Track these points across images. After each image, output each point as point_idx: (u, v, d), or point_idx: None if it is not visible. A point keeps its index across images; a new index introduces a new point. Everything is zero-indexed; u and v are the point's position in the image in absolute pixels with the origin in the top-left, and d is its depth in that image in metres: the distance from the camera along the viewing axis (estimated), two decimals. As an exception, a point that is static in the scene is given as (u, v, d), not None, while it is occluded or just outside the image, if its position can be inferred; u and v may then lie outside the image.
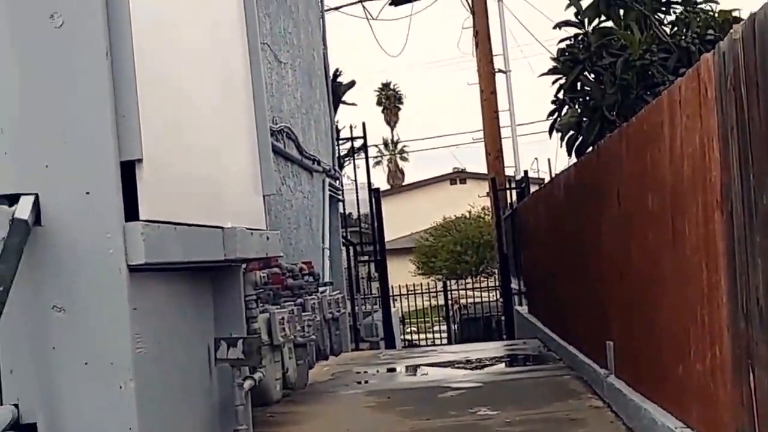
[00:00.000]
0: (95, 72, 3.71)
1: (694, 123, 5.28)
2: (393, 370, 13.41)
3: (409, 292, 33.04)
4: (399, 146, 75.02)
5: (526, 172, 23.81)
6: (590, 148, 10.22)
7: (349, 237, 21.85)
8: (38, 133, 3.75)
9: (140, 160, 3.88)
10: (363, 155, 23.34)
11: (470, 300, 32.70)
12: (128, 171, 3.88)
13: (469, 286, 37.32)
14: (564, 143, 11.57)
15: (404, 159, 76.61)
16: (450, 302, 33.26)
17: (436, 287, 35.53)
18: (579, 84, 11.32)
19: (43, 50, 3.71)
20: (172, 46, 4.50)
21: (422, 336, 34.11)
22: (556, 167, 20.41)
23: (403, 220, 48.02)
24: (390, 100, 76.70)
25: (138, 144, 3.84)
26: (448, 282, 35.80)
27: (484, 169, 26.84)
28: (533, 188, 19.87)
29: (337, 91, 21.11)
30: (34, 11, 3.64)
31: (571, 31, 11.45)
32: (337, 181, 18.66)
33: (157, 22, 4.27)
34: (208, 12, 5.20)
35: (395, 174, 75.29)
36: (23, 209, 3.70)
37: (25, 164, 3.76)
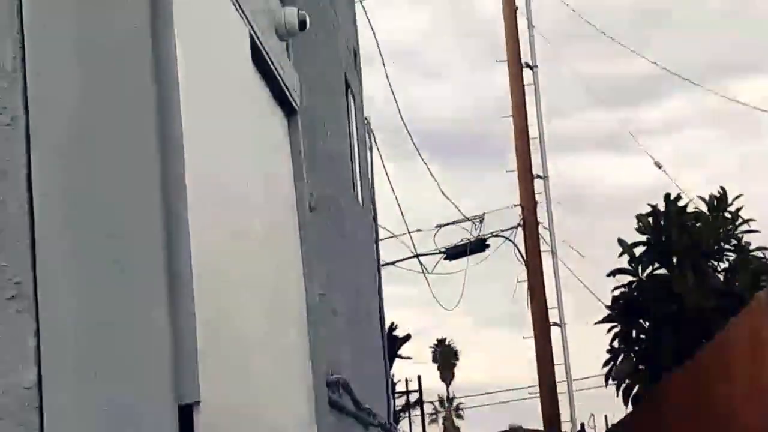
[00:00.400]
0: (155, 313, 3.78)
1: (750, 359, 5.27)
2: None
3: None
4: (454, 403, 74.51)
5: (582, 425, 23.58)
6: (646, 396, 10.18)
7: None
8: (99, 375, 3.81)
9: (198, 403, 3.90)
10: (418, 410, 23.21)
11: None
12: (186, 414, 3.90)
13: None
14: (620, 392, 11.52)
15: (459, 417, 75.98)
16: None
17: None
18: (634, 332, 11.35)
19: (106, 292, 3.80)
20: (234, 289, 4.59)
21: None
22: (612, 420, 20.15)
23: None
24: (445, 357, 76.67)
25: (196, 386, 3.87)
26: None
27: (540, 425, 26.54)
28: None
29: (392, 345, 21.18)
30: (98, 256, 3.76)
31: (625, 279, 11.57)
32: (393, 437, 18.51)
33: (219, 268, 4.36)
34: (270, 258, 5.31)
35: (451, 432, 74.55)
36: (81, 455, 3.72)
37: (84, 408, 3.80)
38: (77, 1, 3.23)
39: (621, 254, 11.48)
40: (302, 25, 5.30)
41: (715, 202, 11.53)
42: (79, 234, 3.78)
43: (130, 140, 3.54)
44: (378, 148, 17.74)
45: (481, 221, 24.87)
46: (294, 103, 5.44)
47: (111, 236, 3.81)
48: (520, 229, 25.39)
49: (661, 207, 11.46)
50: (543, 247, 25.63)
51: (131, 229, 3.81)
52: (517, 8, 22.54)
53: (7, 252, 3.35)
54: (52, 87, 3.23)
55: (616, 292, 11.55)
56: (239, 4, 4.39)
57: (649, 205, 11.34)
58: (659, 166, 25.53)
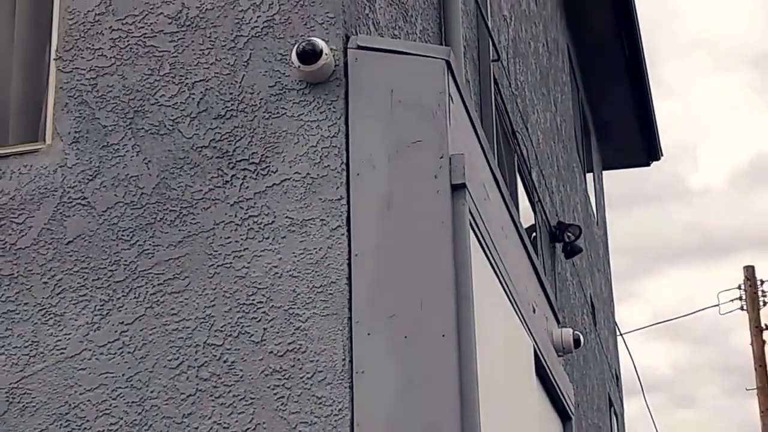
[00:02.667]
0: None
1: None
2: None
3: None
4: None
5: None
6: None
7: None
8: None
9: None
10: None
11: None
12: None
13: None
14: None
15: None
16: None
17: None
18: None
19: None
20: None
21: None
22: None
23: None
24: None
25: None
26: None
27: None
28: None
29: None
30: None
31: None
32: None
33: None
34: None
35: None
36: None
37: None
38: (394, 326, 3.36)
39: None
40: (577, 343, 5.39)
41: None
42: None
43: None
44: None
45: None
46: (569, 411, 5.46)
47: None
48: None
49: None
50: None
51: None
52: (765, 342, 21.85)
53: None
54: (373, 387, 3.33)
55: None
56: (526, 322, 4.53)
57: None
58: None
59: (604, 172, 14.22)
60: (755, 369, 21.47)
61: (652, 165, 14.35)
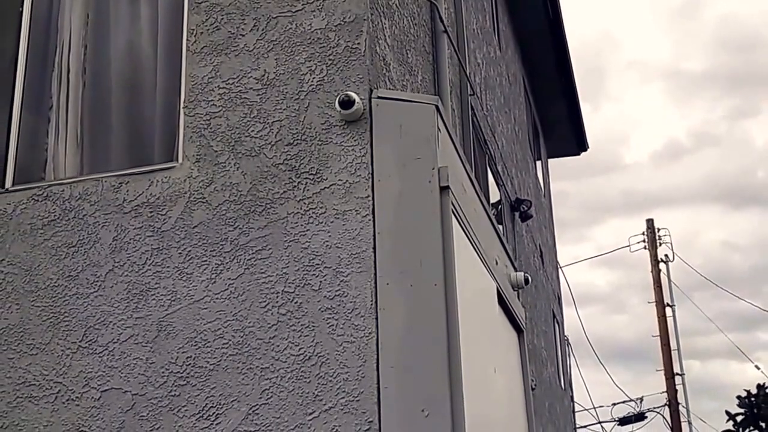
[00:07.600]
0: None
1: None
2: None
3: None
4: None
5: None
6: None
7: None
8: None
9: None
10: None
11: None
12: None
13: None
14: None
15: None
16: None
17: None
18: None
19: None
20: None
21: None
22: None
23: None
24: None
25: None
26: None
27: None
28: None
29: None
30: None
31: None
32: None
33: (482, 417, 4.31)
34: (510, 419, 5.20)
35: None
36: None
37: None
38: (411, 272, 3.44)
39: (727, 420, 10.74)
40: (526, 281, 5.46)
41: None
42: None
43: (427, 346, 3.51)
44: (573, 354, 17.20)
45: (641, 400, 23.48)
46: (521, 326, 5.53)
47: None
48: (666, 407, 23.76)
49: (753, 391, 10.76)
50: (682, 419, 23.86)
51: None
52: (660, 270, 21.89)
53: None
54: (390, 318, 3.38)
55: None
56: (491, 270, 4.59)
57: (745, 390, 10.70)
58: (758, 368, 24.20)
59: (551, 160, 14.19)
60: (653, 288, 21.63)
61: (581, 154, 14.32)
